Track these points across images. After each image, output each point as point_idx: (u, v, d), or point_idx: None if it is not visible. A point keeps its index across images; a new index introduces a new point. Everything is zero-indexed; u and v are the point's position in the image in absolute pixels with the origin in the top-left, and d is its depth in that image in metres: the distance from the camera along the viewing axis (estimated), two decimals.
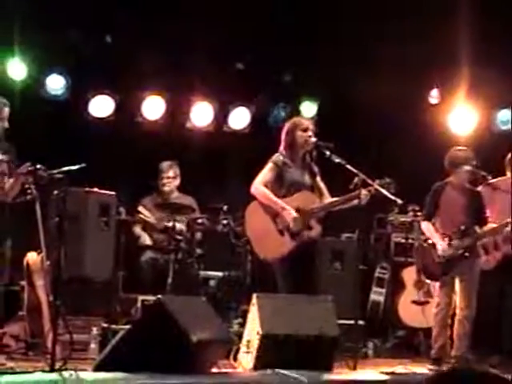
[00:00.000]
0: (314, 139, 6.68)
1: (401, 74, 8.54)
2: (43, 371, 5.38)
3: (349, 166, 6.52)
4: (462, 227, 6.93)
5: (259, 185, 6.62)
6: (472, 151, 7.10)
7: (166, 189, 8.21)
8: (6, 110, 6.22)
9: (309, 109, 9.36)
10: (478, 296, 6.91)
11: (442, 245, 6.93)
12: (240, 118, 9.32)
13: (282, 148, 6.74)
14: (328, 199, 6.72)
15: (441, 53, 8.45)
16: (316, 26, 8.58)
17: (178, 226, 7.82)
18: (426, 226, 7.11)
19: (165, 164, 8.25)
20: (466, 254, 6.90)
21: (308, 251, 6.58)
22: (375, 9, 8.33)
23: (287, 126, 6.81)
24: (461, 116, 9.31)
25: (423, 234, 7.17)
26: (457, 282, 6.92)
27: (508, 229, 6.98)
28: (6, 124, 6.18)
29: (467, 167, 6.98)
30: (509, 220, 6.92)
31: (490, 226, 7.00)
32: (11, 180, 5.83)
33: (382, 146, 9.03)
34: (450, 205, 7.01)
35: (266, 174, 6.66)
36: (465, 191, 7.06)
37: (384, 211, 8.32)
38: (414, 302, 8.19)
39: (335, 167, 6.59)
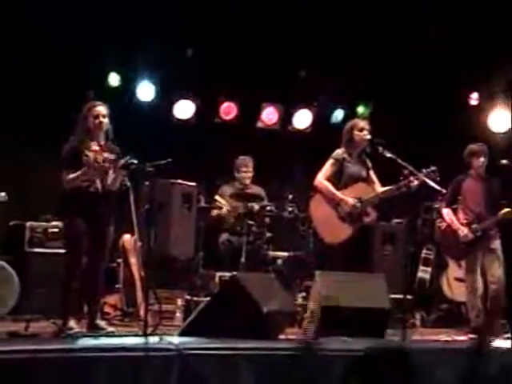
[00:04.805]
0: (368, 137, 6.71)
1: (445, 75, 8.47)
2: (137, 335, 5.46)
3: (399, 160, 6.49)
4: (480, 212, 6.96)
5: (321, 178, 6.68)
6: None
7: (247, 181, 7.97)
8: (98, 108, 5.82)
9: (363, 110, 9.35)
10: None
11: (463, 231, 6.95)
12: (303, 119, 9.35)
13: (341, 145, 6.78)
14: (380, 189, 6.73)
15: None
16: (368, 38, 8.59)
17: (256, 207, 7.73)
18: (446, 211, 7.16)
19: (242, 159, 8.05)
20: (485, 235, 6.90)
21: (365, 235, 6.62)
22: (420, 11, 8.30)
23: (346, 126, 6.85)
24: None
25: (443, 218, 7.18)
26: (484, 261, 6.91)
27: None
28: (106, 121, 5.85)
29: (482, 159, 7.02)
30: None
31: (505, 210, 6.93)
32: (113, 174, 5.89)
33: (428, 142, 8.88)
34: (470, 193, 7.06)
35: (327, 168, 6.71)
36: (482, 181, 7.08)
37: (430, 199, 8.23)
38: (456, 278, 8.06)
39: (386, 161, 6.57)
